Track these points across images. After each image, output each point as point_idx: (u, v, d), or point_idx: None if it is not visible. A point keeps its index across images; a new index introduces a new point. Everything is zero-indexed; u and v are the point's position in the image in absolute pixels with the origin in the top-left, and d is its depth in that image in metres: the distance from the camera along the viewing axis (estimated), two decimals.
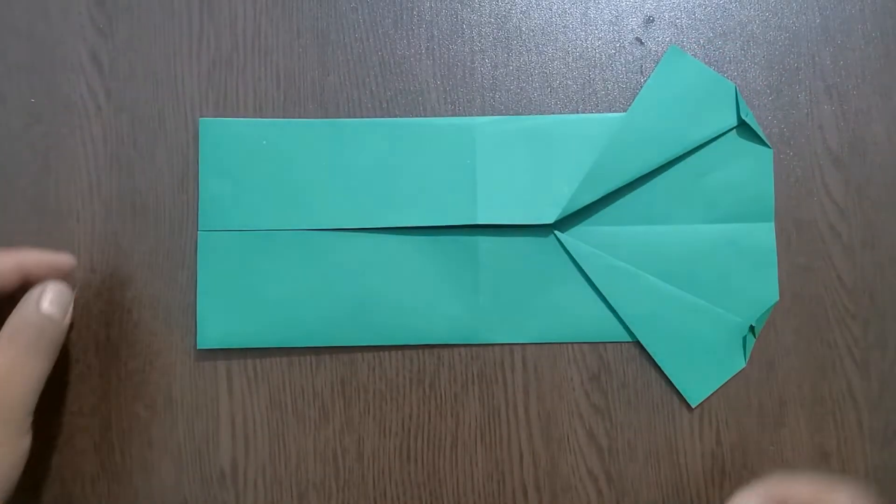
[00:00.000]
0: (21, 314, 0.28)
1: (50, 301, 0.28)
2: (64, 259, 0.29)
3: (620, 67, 0.33)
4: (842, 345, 0.33)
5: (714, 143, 0.33)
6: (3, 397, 0.26)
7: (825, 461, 0.32)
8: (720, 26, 0.34)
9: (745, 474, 0.32)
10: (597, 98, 0.33)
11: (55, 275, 0.29)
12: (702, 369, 0.32)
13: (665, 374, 0.33)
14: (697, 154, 0.33)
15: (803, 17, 0.34)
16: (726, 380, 0.32)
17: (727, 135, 0.33)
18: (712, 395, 0.32)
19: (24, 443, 0.27)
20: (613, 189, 0.32)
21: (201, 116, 0.33)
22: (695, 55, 0.33)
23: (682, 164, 0.33)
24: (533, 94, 0.33)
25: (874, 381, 0.33)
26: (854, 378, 0.33)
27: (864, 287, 0.33)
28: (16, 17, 0.33)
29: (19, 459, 0.27)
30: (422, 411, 0.32)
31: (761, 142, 0.33)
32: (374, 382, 0.32)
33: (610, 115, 0.33)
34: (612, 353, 0.33)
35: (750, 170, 0.33)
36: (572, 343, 0.33)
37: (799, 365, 0.33)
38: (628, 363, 0.33)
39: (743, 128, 0.33)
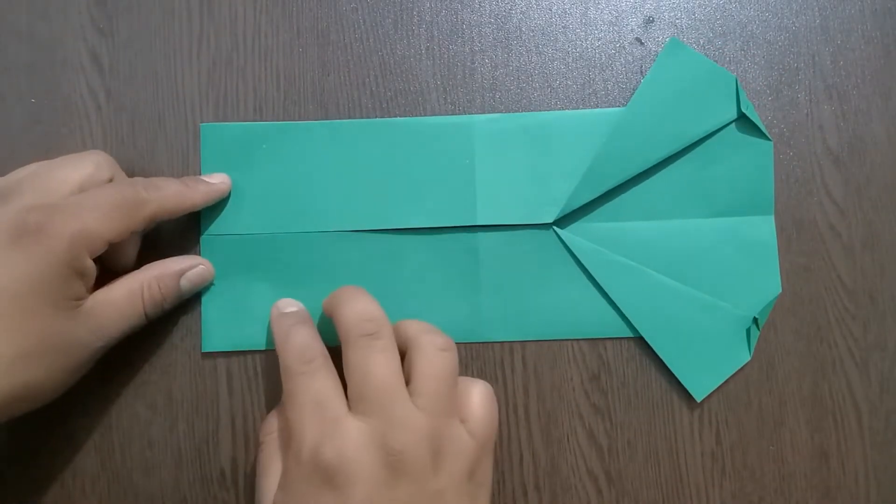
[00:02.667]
0: (163, 265, 0.30)
1: (190, 279, 0.31)
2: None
3: (620, 68, 0.33)
4: (842, 345, 0.33)
5: (714, 137, 0.33)
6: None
7: (825, 461, 0.32)
8: (720, 26, 0.34)
9: (745, 474, 0.32)
10: (597, 98, 0.33)
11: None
12: (706, 363, 0.32)
13: (665, 374, 0.33)
14: (697, 148, 0.33)
15: (803, 17, 0.34)
16: (731, 374, 0.32)
17: (727, 128, 0.33)
18: (712, 395, 0.32)
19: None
20: (613, 186, 0.32)
21: (201, 117, 0.33)
22: (696, 52, 0.33)
23: (682, 159, 0.33)
24: (533, 94, 0.33)
25: (874, 382, 0.33)
26: (854, 378, 0.33)
27: (864, 287, 0.33)
28: (16, 17, 0.33)
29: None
30: None
31: (761, 135, 0.33)
32: None
33: (609, 109, 0.33)
34: (612, 352, 0.33)
35: (750, 163, 0.33)
36: (573, 342, 0.33)
37: (799, 365, 0.33)
38: (628, 363, 0.33)
39: (743, 121, 0.33)
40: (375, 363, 0.26)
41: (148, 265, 0.30)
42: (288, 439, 0.27)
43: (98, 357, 0.29)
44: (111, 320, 0.28)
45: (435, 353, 0.27)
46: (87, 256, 0.26)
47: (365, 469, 0.25)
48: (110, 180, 0.29)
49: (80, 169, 0.28)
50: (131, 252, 0.31)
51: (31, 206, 0.26)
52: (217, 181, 0.32)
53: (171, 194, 0.29)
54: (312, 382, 0.27)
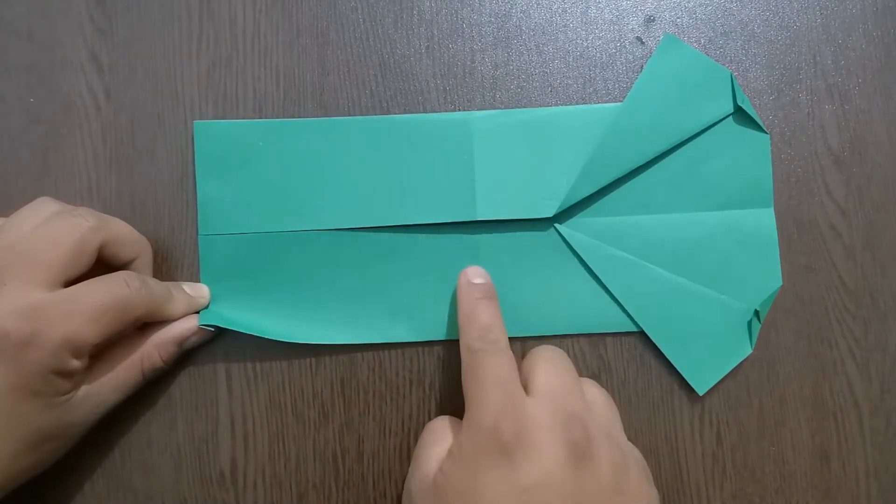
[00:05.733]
0: (163, 332, 0.30)
1: (191, 343, 0.31)
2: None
3: (621, 67, 0.33)
4: (842, 345, 0.33)
5: (711, 131, 0.33)
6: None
7: (826, 461, 0.32)
8: (721, 26, 0.34)
9: (746, 474, 0.32)
10: (597, 97, 0.33)
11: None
12: (708, 357, 0.32)
13: (666, 374, 0.32)
14: (695, 142, 0.33)
15: (804, 16, 0.34)
16: (733, 366, 0.32)
17: (724, 121, 0.33)
18: (713, 395, 0.32)
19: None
20: (612, 180, 0.32)
21: (201, 116, 0.33)
22: (692, 47, 0.33)
23: (679, 153, 0.33)
24: (533, 93, 0.33)
25: (875, 382, 0.33)
26: (855, 378, 0.33)
27: (865, 287, 0.33)
28: (16, 17, 0.33)
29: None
30: (422, 411, 0.32)
31: (758, 128, 0.33)
32: (373, 383, 0.32)
33: (606, 105, 0.33)
34: (612, 352, 0.33)
35: (747, 156, 0.33)
36: (573, 342, 0.33)
37: (799, 365, 0.33)
38: (629, 363, 0.33)
39: (739, 114, 0.33)
40: (566, 363, 0.28)
41: (147, 333, 0.30)
42: (467, 408, 0.26)
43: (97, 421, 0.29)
44: (110, 397, 0.29)
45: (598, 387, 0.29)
46: (73, 359, 0.26)
47: (546, 447, 0.24)
48: (97, 249, 0.28)
49: (64, 245, 0.27)
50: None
51: (16, 311, 0.26)
52: (197, 294, 0.32)
53: (157, 296, 0.29)
54: (494, 360, 0.27)
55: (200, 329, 0.31)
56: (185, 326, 0.31)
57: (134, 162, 0.33)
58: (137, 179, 0.33)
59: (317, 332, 0.32)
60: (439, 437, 0.28)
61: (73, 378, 0.27)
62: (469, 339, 0.28)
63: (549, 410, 0.25)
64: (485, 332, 0.27)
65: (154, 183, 0.33)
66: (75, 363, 0.26)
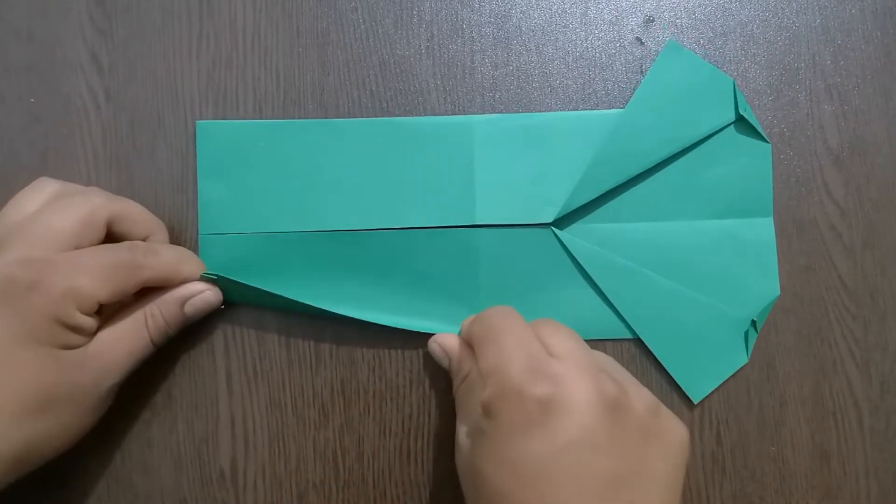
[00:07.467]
0: (164, 292, 0.30)
1: (194, 305, 0.30)
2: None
3: (620, 67, 0.33)
4: (842, 345, 0.33)
5: (712, 139, 0.33)
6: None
7: (826, 461, 0.32)
8: (720, 26, 0.34)
9: (746, 475, 0.32)
10: (597, 98, 0.33)
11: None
12: (703, 365, 0.32)
13: (665, 375, 0.32)
14: (696, 150, 0.33)
15: (803, 16, 0.34)
16: (728, 376, 0.32)
17: (725, 130, 0.33)
18: (713, 395, 0.32)
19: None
20: (612, 187, 0.32)
21: (201, 116, 0.33)
22: (695, 54, 0.33)
23: (680, 160, 0.33)
24: (533, 94, 0.33)
25: (875, 382, 0.33)
26: (855, 378, 0.33)
27: (865, 287, 0.33)
28: (16, 17, 0.33)
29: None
30: (422, 411, 0.32)
31: (760, 137, 0.33)
32: (374, 383, 0.32)
33: (608, 111, 0.33)
34: (611, 353, 0.33)
35: (748, 165, 0.33)
36: None
37: (799, 365, 0.33)
38: (628, 365, 0.33)
39: (741, 123, 0.33)
40: (568, 328, 0.28)
41: (151, 295, 0.30)
42: (488, 374, 0.26)
43: (111, 397, 0.29)
44: (119, 357, 0.28)
45: None
46: (78, 313, 0.26)
47: (579, 400, 0.24)
48: (107, 223, 0.29)
49: (74, 215, 0.27)
50: None
51: (23, 260, 0.26)
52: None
53: (165, 262, 0.29)
54: (515, 326, 0.27)
55: (204, 289, 0.30)
56: (189, 289, 0.30)
57: (134, 162, 0.33)
58: (137, 179, 0.33)
59: (318, 334, 0.32)
60: (471, 398, 0.27)
61: (77, 331, 0.27)
62: (488, 317, 0.28)
63: (574, 366, 0.25)
64: (503, 310, 0.28)
65: (154, 183, 0.33)
66: (80, 317, 0.26)
